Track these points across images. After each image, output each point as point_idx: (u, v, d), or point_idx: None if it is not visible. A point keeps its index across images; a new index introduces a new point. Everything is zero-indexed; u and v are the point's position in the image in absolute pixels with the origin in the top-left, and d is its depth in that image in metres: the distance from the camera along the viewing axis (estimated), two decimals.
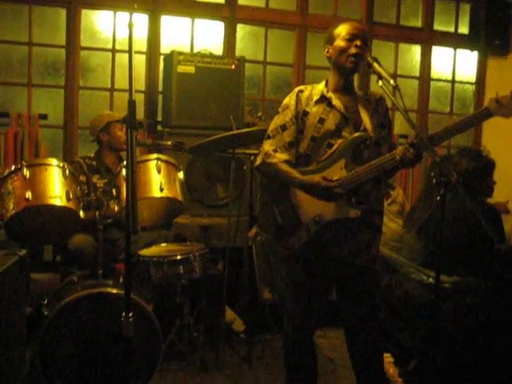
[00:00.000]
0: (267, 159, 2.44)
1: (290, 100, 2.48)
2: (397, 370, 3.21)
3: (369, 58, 2.31)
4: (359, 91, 2.53)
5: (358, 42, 2.35)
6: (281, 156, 2.43)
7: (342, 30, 2.39)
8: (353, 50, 2.35)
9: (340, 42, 2.38)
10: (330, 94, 2.44)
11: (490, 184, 3.16)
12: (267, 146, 2.47)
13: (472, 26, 5.41)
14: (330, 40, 2.43)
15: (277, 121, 2.49)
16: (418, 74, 5.51)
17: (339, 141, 2.39)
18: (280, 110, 2.51)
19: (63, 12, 4.38)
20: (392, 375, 3.17)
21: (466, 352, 2.78)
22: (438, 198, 1.88)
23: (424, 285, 2.91)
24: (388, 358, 3.26)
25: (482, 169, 3.10)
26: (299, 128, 2.44)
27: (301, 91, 2.49)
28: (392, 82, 2.20)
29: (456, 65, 5.66)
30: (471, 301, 2.82)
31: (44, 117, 4.28)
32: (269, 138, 2.49)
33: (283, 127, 2.46)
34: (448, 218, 2.93)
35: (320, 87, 2.48)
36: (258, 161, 2.49)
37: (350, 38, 2.36)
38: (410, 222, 3.43)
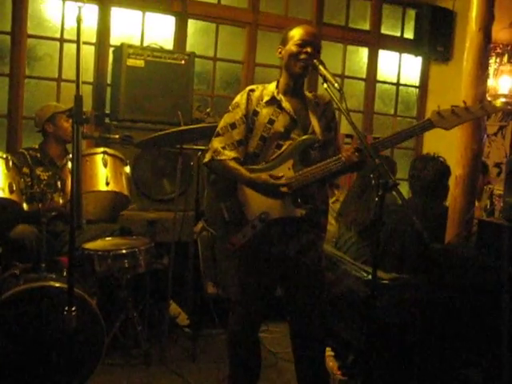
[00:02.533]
0: (216, 156, 2.46)
1: (240, 99, 2.51)
2: (336, 363, 3.31)
3: (315, 61, 2.36)
4: (309, 94, 2.58)
5: (309, 49, 2.39)
6: (229, 153, 2.45)
7: (296, 34, 2.43)
8: (302, 56, 2.39)
9: (292, 46, 2.42)
10: (281, 96, 2.48)
11: (448, 188, 3.30)
12: (216, 143, 2.49)
13: (417, 32, 5.61)
14: (284, 42, 2.47)
15: (227, 119, 2.51)
16: (364, 76, 5.65)
17: (288, 142, 2.43)
18: (230, 108, 2.53)
19: None
20: (332, 368, 3.27)
21: (402, 345, 2.90)
22: (377, 199, 1.96)
23: (363, 281, 3.01)
24: (328, 352, 3.36)
25: (444, 174, 3.24)
26: (249, 127, 2.47)
27: (252, 90, 2.52)
28: (336, 85, 2.25)
29: (401, 68, 5.84)
30: (408, 296, 2.94)
31: None
32: (218, 135, 2.50)
33: (233, 125, 2.48)
34: (393, 221, 3.06)
35: (271, 88, 2.52)
36: (207, 157, 2.51)
37: (302, 44, 2.40)
38: (347, 219, 3.53)
